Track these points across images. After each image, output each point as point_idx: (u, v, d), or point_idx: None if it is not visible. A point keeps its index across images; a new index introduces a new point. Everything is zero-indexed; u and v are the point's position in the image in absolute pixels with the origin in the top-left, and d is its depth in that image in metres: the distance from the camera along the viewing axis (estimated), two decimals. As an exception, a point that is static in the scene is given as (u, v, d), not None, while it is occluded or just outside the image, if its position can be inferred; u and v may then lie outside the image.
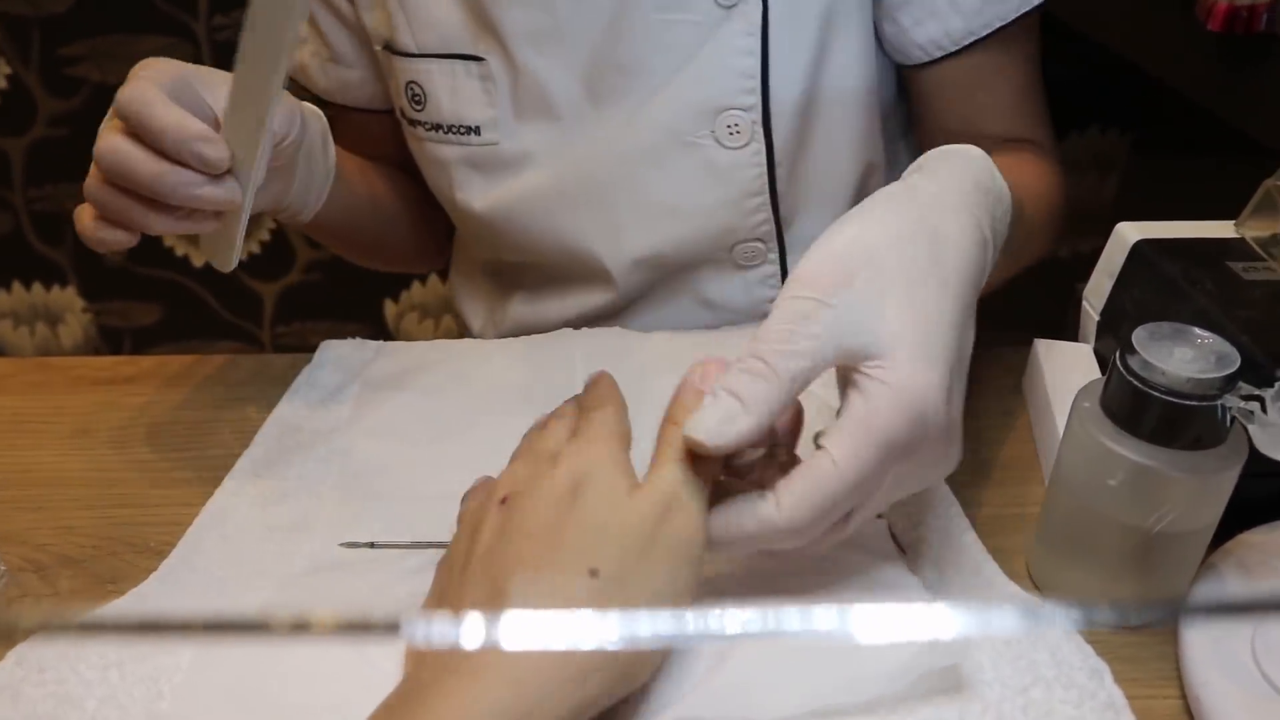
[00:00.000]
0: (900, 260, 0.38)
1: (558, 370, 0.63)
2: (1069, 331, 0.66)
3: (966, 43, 0.66)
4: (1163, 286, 0.58)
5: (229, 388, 0.65)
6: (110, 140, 0.49)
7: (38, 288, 1.45)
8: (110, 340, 1.49)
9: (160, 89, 0.48)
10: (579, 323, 0.72)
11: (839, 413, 0.38)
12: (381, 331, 1.46)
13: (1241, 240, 0.60)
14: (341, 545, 0.52)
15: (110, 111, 0.50)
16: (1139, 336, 0.44)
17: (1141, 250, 0.60)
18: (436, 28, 0.67)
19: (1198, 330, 0.44)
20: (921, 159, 0.46)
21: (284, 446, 0.58)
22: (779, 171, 0.68)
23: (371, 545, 0.51)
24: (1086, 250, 1.05)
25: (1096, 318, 0.62)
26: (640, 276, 0.72)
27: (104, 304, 1.46)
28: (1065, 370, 0.61)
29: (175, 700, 0.38)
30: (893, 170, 0.75)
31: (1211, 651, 0.43)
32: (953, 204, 0.42)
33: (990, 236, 0.43)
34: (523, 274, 0.78)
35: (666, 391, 0.40)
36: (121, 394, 0.64)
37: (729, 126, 0.66)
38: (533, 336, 0.69)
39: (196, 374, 0.66)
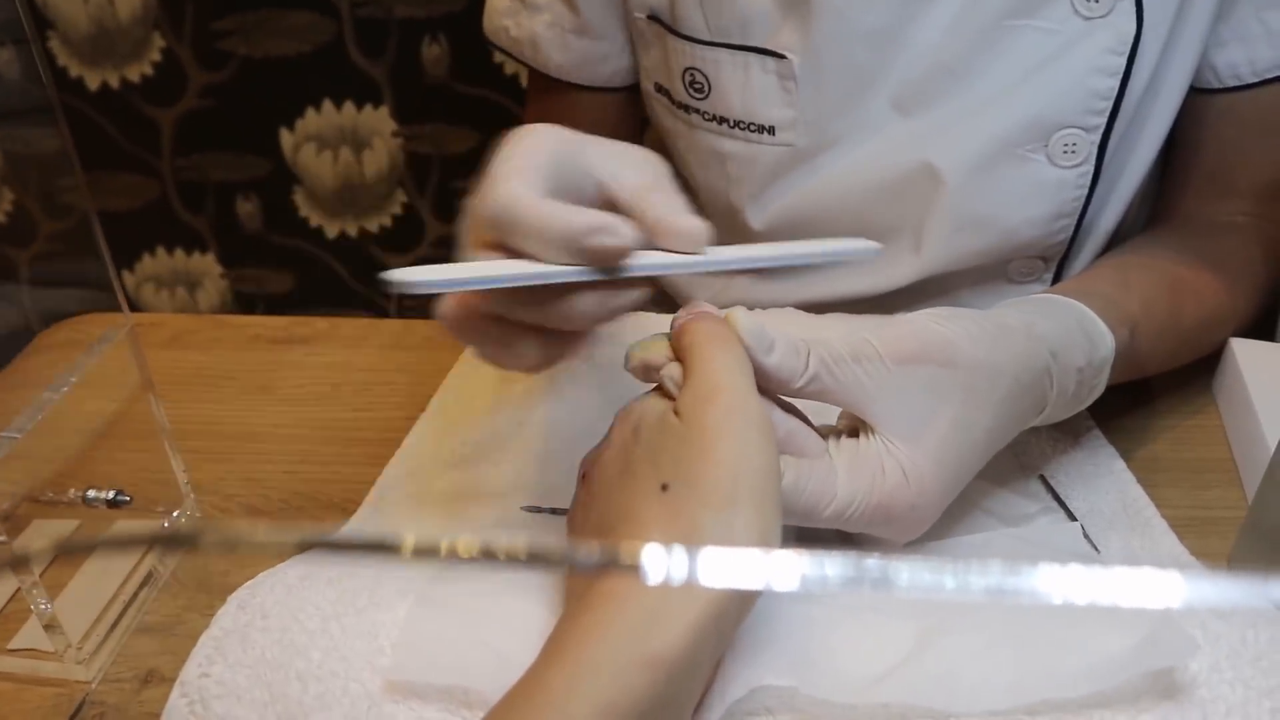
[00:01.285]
0: (965, 377, 0.43)
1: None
2: (1265, 333, 0.63)
3: (1269, 76, 0.61)
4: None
5: (405, 351, 0.66)
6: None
7: (179, 253, 1.50)
8: (244, 306, 1.54)
9: (530, 186, 0.38)
10: (818, 307, 0.66)
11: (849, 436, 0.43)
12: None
13: None
14: (523, 509, 0.52)
15: (467, 224, 0.42)
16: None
17: (1355, 247, 0.57)
18: (737, 10, 0.61)
19: None
20: (1026, 299, 0.52)
21: (462, 411, 0.58)
22: (1096, 191, 0.62)
23: (554, 511, 0.52)
24: None
25: (1298, 317, 0.59)
26: (919, 280, 0.67)
27: (240, 270, 1.51)
28: (1265, 371, 0.58)
29: (397, 654, 0.39)
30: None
31: None
32: (1027, 346, 0.46)
33: (1060, 371, 0.47)
34: None
35: None
36: (299, 353, 0.66)
37: (1065, 146, 0.60)
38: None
39: (370, 337, 0.67)
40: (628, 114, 0.73)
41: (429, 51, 1.34)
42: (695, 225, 0.40)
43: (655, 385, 0.42)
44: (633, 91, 0.74)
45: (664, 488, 0.34)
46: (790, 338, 0.42)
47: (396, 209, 1.44)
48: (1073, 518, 0.49)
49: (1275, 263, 0.64)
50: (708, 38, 0.63)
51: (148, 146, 1.42)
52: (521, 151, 0.40)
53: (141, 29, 1.34)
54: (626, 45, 0.72)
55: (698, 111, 0.66)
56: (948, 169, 0.62)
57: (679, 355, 0.40)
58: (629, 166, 0.41)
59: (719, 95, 0.64)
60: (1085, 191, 0.62)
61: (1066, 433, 0.55)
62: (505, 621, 0.40)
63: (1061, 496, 0.51)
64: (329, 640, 0.40)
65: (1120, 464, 0.53)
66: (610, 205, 0.40)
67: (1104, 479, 0.52)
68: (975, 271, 0.66)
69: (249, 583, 0.43)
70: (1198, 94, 0.63)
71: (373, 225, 1.45)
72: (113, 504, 0.50)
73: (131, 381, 0.53)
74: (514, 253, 0.39)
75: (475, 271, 0.38)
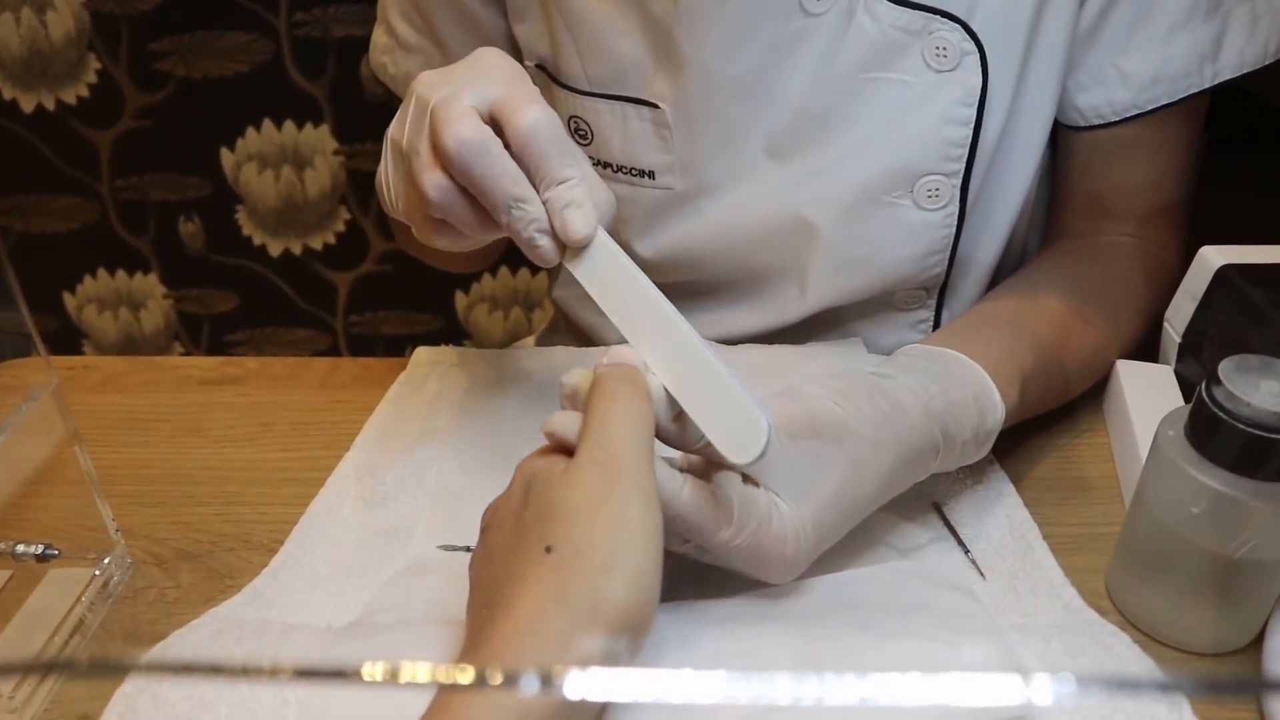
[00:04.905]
0: (851, 453, 0.46)
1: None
2: (1149, 352, 0.67)
3: (1128, 115, 0.65)
4: (1247, 313, 0.58)
5: (331, 390, 0.67)
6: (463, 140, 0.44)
7: (121, 274, 1.50)
8: (189, 326, 1.54)
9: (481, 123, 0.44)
10: (721, 339, 0.71)
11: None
12: (452, 322, 1.49)
13: (1329, 267, 0.60)
14: (439, 547, 0.55)
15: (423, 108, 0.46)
16: (1225, 369, 0.45)
17: (1226, 275, 0.60)
18: (611, 60, 0.65)
19: (1287, 365, 0.45)
20: (928, 352, 0.54)
21: (384, 451, 0.60)
22: (964, 226, 0.66)
23: (468, 549, 0.54)
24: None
25: (1178, 340, 0.63)
26: (804, 316, 0.71)
27: (184, 291, 1.51)
28: (1146, 392, 0.61)
29: (302, 710, 0.41)
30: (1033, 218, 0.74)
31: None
32: (918, 426, 0.49)
33: (947, 444, 0.50)
34: (668, 289, 0.76)
35: None
36: (228, 394, 0.67)
37: (929, 191, 0.64)
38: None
39: (300, 376, 0.69)
40: None
41: (368, 69, 1.35)
42: (581, 229, 0.44)
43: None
44: None
45: (548, 549, 0.37)
46: None
47: (340, 226, 1.45)
48: (962, 545, 0.52)
49: (1157, 283, 0.68)
50: (587, 88, 0.66)
51: (86, 168, 1.41)
52: (488, 75, 0.46)
53: (75, 50, 1.34)
54: None
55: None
56: (820, 218, 0.65)
57: (587, 403, 0.42)
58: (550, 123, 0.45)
59: (601, 142, 0.68)
60: (953, 230, 0.66)
61: (960, 459, 0.58)
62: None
63: (953, 523, 0.54)
64: (237, 695, 0.42)
65: (1010, 489, 0.57)
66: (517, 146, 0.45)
67: (994, 504, 0.55)
68: (861, 305, 0.70)
69: (159, 644, 0.45)
70: (1066, 130, 0.68)
71: (316, 243, 1.46)
72: (41, 558, 0.52)
73: (59, 429, 0.54)
74: (462, 188, 0.45)
75: None
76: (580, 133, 0.69)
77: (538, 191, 0.45)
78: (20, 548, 0.52)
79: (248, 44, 1.34)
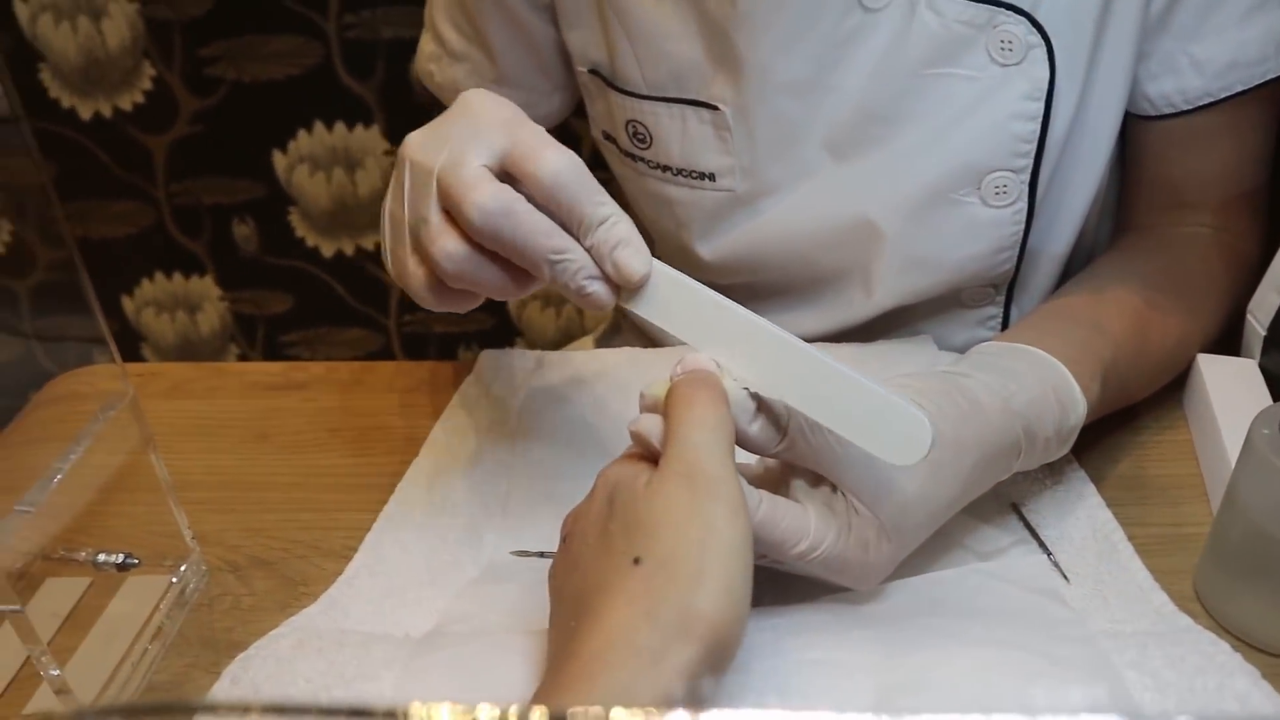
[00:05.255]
0: (932, 457, 0.42)
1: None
2: (1231, 345, 0.65)
3: (1201, 104, 0.63)
4: (1339, 303, 0.56)
5: (399, 394, 0.67)
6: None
7: (178, 277, 1.52)
8: (245, 327, 1.56)
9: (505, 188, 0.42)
10: None
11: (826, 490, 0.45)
12: (504, 320, 1.49)
13: None
14: (512, 553, 0.54)
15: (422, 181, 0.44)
16: (1325, 364, 0.44)
17: (1315, 265, 0.58)
18: (669, 63, 0.64)
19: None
20: (1004, 349, 0.53)
21: (453, 456, 0.60)
22: (1033, 221, 0.65)
23: (541, 555, 0.54)
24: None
25: (1263, 333, 0.61)
26: (870, 316, 0.70)
27: (239, 293, 1.53)
28: (1231, 387, 0.59)
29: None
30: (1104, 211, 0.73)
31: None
32: (998, 424, 0.48)
33: (1029, 442, 0.49)
34: (726, 292, 0.75)
35: None
36: (296, 399, 0.68)
37: (997, 188, 0.62)
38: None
39: (366, 381, 0.69)
40: None
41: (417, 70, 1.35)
42: (640, 267, 0.43)
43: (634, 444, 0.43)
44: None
45: (636, 561, 0.36)
46: (773, 404, 0.43)
47: (391, 227, 1.46)
48: (1045, 548, 0.51)
49: (1236, 273, 0.66)
50: (645, 92, 0.66)
51: (142, 173, 1.43)
52: (487, 125, 0.44)
53: (131, 58, 1.36)
54: (552, 92, 0.74)
55: (643, 160, 0.69)
56: (885, 219, 0.64)
57: (666, 413, 0.42)
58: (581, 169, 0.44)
59: (660, 145, 0.67)
60: (1022, 226, 0.64)
61: (1039, 459, 0.56)
62: (489, 691, 0.42)
63: (1034, 525, 0.53)
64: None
65: (1091, 489, 0.55)
66: (544, 195, 0.43)
67: (1075, 504, 0.54)
68: (928, 304, 0.69)
69: (242, 656, 0.45)
70: (1137, 120, 0.66)
71: (369, 243, 1.47)
72: (122, 567, 0.52)
73: (134, 436, 0.55)
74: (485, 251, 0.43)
75: None
76: (639, 137, 0.68)
77: (577, 237, 0.43)
78: (101, 557, 0.52)
79: (297, 47, 1.34)
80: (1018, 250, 0.65)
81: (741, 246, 0.69)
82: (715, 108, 0.64)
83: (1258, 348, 0.62)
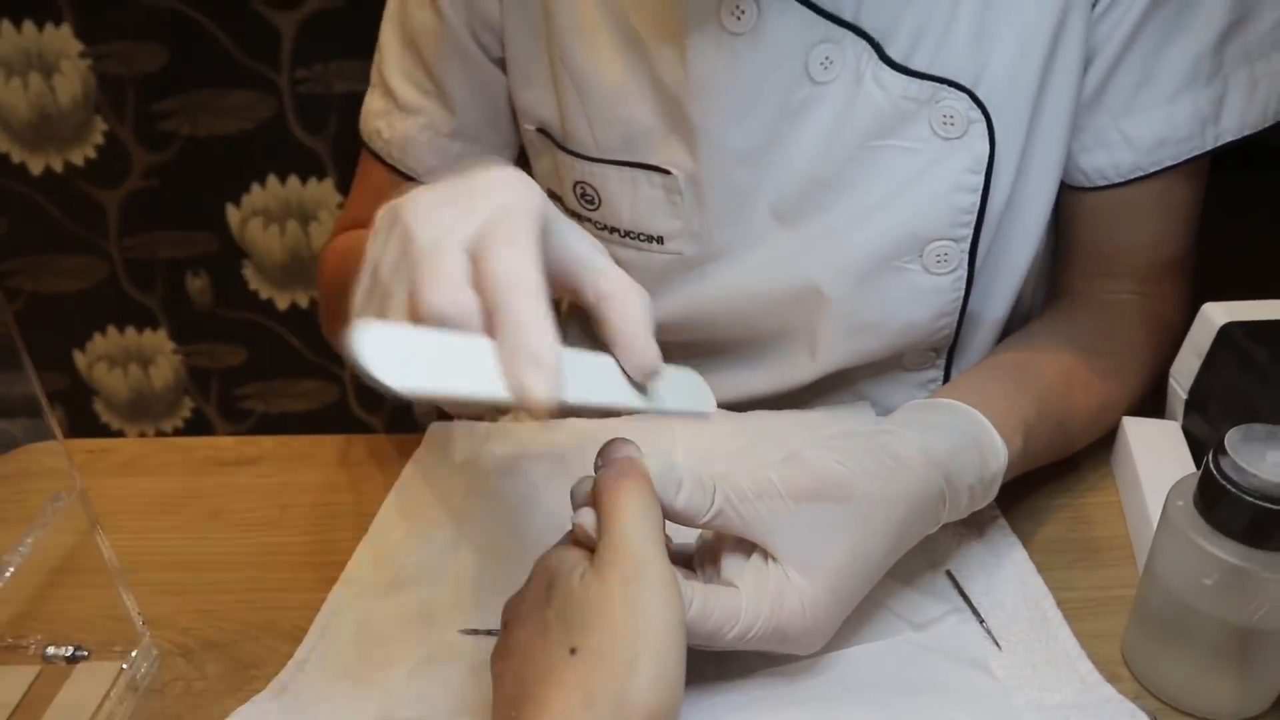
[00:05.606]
0: (860, 511, 0.46)
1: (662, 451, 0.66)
2: (1155, 408, 0.67)
3: (1132, 177, 0.66)
4: (1252, 371, 0.59)
5: (348, 468, 0.68)
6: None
7: (131, 331, 1.51)
8: (198, 380, 1.55)
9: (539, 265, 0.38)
10: (730, 407, 0.71)
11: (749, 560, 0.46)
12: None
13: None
14: (461, 632, 0.55)
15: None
16: (1232, 439, 0.46)
17: (1230, 333, 0.61)
18: (621, 127, 0.65)
19: (1293, 435, 0.46)
20: (926, 404, 0.56)
21: (402, 534, 0.61)
22: (973, 288, 0.67)
23: (489, 633, 0.54)
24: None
25: (1184, 396, 0.64)
26: (814, 378, 0.72)
27: (192, 346, 1.52)
28: (1154, 449, 0.62)
29: None
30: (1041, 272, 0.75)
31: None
32: (921, 475, 0.49)
33: (952, 491, 0.51)
34: (672, 351, 0.75)
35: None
36: (248, 475, 0.68)
37: (938, 256, 0.64)
38: (635, 418, 0.69)
39: (315, 455, 0.70)
40: None
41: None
42: (652, 356, 0.43)
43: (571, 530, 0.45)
44: None
45: (572, 651, 0.38)
46: (698, 475, 0.45)
47: (345, 278, 1.47)
48: (978, 615, 0.53)
49: (1160, 339, 0.68)
50: (595, 154, 0.67)
51: (95, 228, 1.43)
52: (520, 212, 0.40)
53: (82, 113, 1.36)
54: (504, 147, 0.74)
55: (590, 220, 0.70)
56: (830, 284, 0.66)
57: (596, 506, 0.43)
58: (599, 253, 0.44)
59: (609, 207, 0.68)
60: (962, 293, 0.66)
61: (971, 525, 0.58)
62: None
63: (966, 591, 0.54)
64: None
65: (1021, 553, 0.57)
66: (567, 277, 0.42)
67: (1005, 569, 0.56)
68: (871, 366, 0.71)
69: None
70: (1071, 190, 0.69)
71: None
72: (72, 659, 0.53)
73: (82, 518, 0.55)
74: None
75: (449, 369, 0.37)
76: (586, 198, 0.69)
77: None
78: (50, 649, 0.53)
79: (251, 102, 1.36)
80: (958, 315, 0.68)
81: (687, 308, 0.71)
82: (668, 172, 0.66)
83: (1180, 410, 0.64)
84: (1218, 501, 0.45)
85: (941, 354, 0.71)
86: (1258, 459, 0.45)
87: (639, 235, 0.69)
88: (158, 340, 1.52)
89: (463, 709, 0.48)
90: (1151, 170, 0.65)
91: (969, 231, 0.64)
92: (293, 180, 1.40)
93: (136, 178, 1.40)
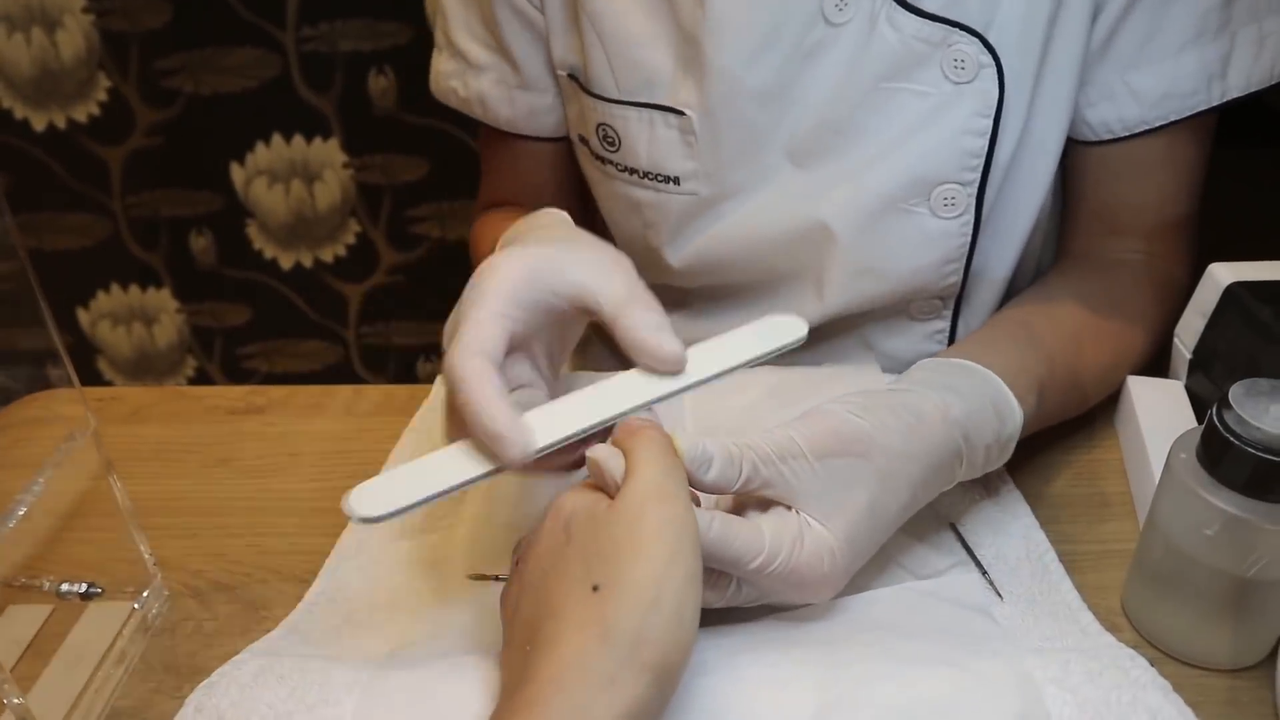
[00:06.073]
0: (880, 466, 0.47)
1: (671, 405, 0.66)
2: (1160, 367, 0.68)
3: (1137, 131, 0.66)
4: (1256, 330, 0.59)
5: (357, 419, 0.69)
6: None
7: (134, 289, 1.51)
8: (202, 339, 1.55)
9: (487, 357, 0.44)
10: None
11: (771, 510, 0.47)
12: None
13: (1338, 284, 0.61)
14: (469, 577, 0.56)
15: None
16: (1235, 393, 0.46)
17: (1235, 293, 0.61)
18: (639, 69, 0.67)
19: (1296, 388, 0.46)
20: (942, 364, 0.56)
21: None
22: (980, 236, 0.67)
23: (497, 578, 0.55)
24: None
25: (1188, 356, 0.64)
26: (820, 319, 0.72)
27: (196, 305, 1.53)
28: (1158, 408, 0.62)
29: None
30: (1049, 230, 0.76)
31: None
32: (941, 433, 0.50)
33: (970, 450, 0.52)
34: (690, 296, 0.78)
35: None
36: (256, 424, 0.69)
37: (945, 199, 0.65)
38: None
39: (325, 405, 0.70)
40: (573, 160, 0.77)
41: (376, 83, 1.36)
42: (675, 349, 0.45)
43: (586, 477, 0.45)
44: None
45: (595, 588, 0.38)
46: (727, 449, 0.45)
47: (350, 238, 1.47)
48: (981, 567, 0.54)
49: (1166, 299, 0.69)
50: (616, 96, 0.68)
51: (98, 185, 1.43)
52: (491, 293, 0.46)
53: (86, 69, 1.36)
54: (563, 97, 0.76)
55: (611, 163, 0.71)
56: (838, 224, 0.67)
57: (623, 449, 0.43)
58: (604, 278, 0.47)
59: (628, 149, 0.69)
60: (968, 239, 0.67)
61: (977, 480, 0.59)
62: (447, 715, 0.43)
63: (971, 545, 0.55)
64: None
65: (1026, 509, 0.58)
66: (586, 314, 0.47)
67: (1010, 524, 0.57)
68: (877, 311, 0.72)
69: (205, 683, 0.46)
70: (1077, 145, 0.69)
71: (327, 255, 1.47)
72: (85, 596, 0.53)
73: (94, 462, 0.55)
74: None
75: (427, 478, 0.44)
76: (608, 140, 0.70)
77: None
78: (65, 586, 0.53)
79: (256, 60, 1.35)
80: (964, 263, 0.68)
81: (705, 250, 0.72)
82: (682, 113, 0.67)
83: (1183, 370, 0.65)
84: (1221, 454, 0.46)
85: (948, 304, 0.72)
86: (1261, 412, 0.45)
87: (656, 176, 0.70)
88: (161, 299, 1.52)
89: (472, 648, 0.48)
90: (1156, 124, 0.65)
91: (976, 176, 0.64)
92: (297, 139, 1.39)
93: (140, 135, 1.39)
